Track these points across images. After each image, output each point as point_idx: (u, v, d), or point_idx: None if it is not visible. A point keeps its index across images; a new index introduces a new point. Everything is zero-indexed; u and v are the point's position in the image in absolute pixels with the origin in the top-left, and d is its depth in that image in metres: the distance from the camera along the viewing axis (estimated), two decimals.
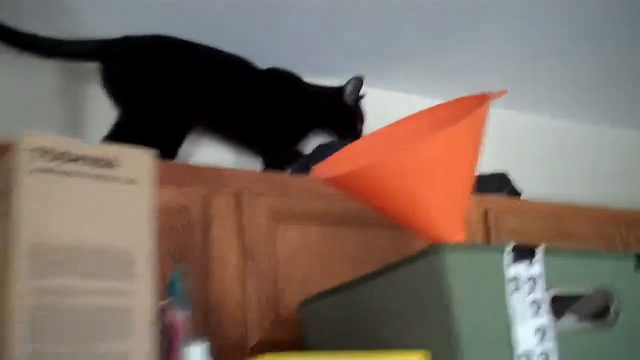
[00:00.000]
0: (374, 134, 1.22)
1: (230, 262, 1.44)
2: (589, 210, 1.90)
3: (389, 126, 1.22)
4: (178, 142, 1.67)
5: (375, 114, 1.94)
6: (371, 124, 1.85)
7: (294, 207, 1.54)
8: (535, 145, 2.31)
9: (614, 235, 1.88)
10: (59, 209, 0.83)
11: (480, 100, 1.06)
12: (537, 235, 1.77)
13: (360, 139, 1.25)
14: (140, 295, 0.84)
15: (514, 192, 1.91)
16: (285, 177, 1.62)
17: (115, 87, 1.66)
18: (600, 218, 1.88)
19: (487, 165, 1.94)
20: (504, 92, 1.07)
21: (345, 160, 1.15)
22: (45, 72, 1.74)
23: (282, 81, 1.86)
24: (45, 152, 0.85)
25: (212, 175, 1.51)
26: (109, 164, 0.88)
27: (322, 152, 1.83)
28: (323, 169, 1.15)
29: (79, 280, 0.82)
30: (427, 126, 1.14)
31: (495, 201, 1.78)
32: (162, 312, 0.91)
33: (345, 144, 1.69)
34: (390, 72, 2.05)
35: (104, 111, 1.67)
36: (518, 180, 2.05)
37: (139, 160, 0.90)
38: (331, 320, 1.21)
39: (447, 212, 1.06)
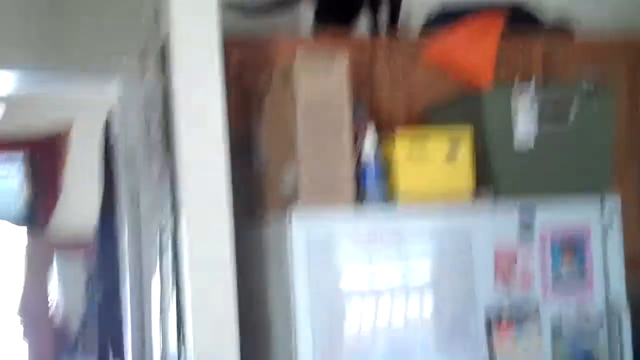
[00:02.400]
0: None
1: (385, 91, 2.66)
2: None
3: None
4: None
5: None
6: None
7: None
8: None
9: None
10: (311, 86, 2.04)
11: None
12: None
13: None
14: (345, 115, 2.07)
15: (569, 32, 2.92)
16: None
17: None
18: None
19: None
20: None
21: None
22: None
23: None
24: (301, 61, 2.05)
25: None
26: (328, 63, 2.07)
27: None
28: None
29: (328, 112, 2.05)
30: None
31: (552, 42, 2.82)
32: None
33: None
34: None
35: None
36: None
37: (340, 58, 2.08)
38: (445, 121, 2.42)
39: (485, 72, 2.21)
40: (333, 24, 2.79)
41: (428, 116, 2.48)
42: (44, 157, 5.70)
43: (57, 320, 5.48)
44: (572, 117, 2.17)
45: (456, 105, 2.29)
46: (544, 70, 2.77)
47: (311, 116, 2.05)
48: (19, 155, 5.76)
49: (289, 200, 2.09)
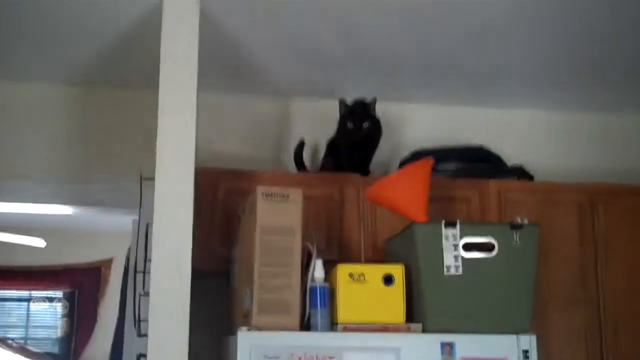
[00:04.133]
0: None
1: (354, 224, 3.02)
2: (568, 186, 3.21)
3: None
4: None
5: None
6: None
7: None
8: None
9: (584, 203, 3.18)
10: (269, 214, 2.43)
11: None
12: (533, 204, 3.12)
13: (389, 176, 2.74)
14: (297, 242, 2.43)
15: (528, 177, 3.27)
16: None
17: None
18: (576, 191, 3.19)
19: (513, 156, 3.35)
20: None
21: (381, 187, 2.67)
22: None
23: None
24: (264, 192, 2.45)
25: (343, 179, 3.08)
26: (285, 196, 2.46)
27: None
28: (372, 190, 2.67)
29: (281, 237, 2.42)
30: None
31: (507, 184, 3.17)
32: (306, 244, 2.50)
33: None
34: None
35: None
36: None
37: (296, 193, 2.48)
38: (394, 251, 2.76)
39: (417, 209, 2.55)
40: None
41: (386, 246, 2.83)
42: (83, 292, 6.07)
43: None
44: (495, 251, 2.46)
45: (400, 237, 2.64)
46: (498, 207, 3.12)
47: (266, 240, 2.41)
48: (60, 288, 6.15)
49: (247, 317, 2.43)
